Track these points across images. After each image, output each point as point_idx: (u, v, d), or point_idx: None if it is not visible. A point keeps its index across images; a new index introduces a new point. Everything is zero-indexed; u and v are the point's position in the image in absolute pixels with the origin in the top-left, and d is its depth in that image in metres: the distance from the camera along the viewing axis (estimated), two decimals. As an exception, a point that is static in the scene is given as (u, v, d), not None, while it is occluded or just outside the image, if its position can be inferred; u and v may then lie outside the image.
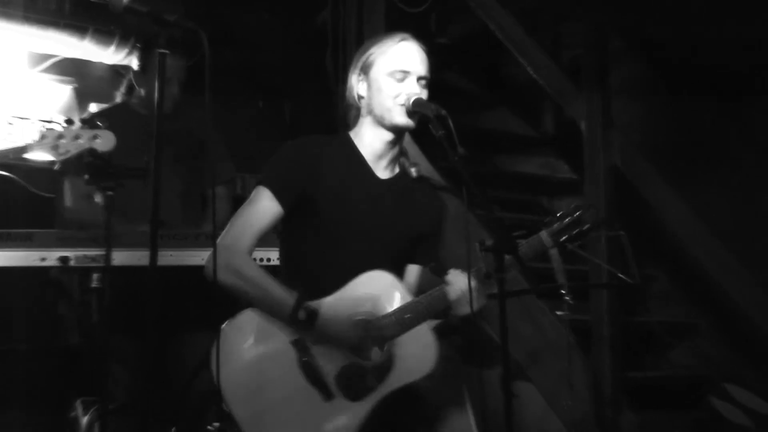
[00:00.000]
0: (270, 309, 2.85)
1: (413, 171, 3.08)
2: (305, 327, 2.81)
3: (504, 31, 4.81)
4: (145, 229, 3.07)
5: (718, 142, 5.13)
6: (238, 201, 3.05)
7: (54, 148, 3.65)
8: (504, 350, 2.88)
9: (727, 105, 5.08)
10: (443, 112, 2.83)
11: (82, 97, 5.43)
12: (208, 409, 4.16)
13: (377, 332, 2.87)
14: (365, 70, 3.00)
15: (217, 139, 4.54)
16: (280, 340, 2.84)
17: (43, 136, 3.67)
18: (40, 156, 3.67)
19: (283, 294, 2.84)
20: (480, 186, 2.78)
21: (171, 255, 3.82)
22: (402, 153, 3.10)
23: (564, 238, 3.08)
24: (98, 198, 3.87)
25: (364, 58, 3.01)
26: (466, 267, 2.85)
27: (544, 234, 3.06)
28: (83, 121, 3.65)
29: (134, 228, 4.07)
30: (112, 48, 5.20)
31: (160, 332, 3.26)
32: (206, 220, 4.40)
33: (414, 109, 2.92)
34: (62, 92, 5.51)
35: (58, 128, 3.63)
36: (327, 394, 2.81)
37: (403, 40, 3.01)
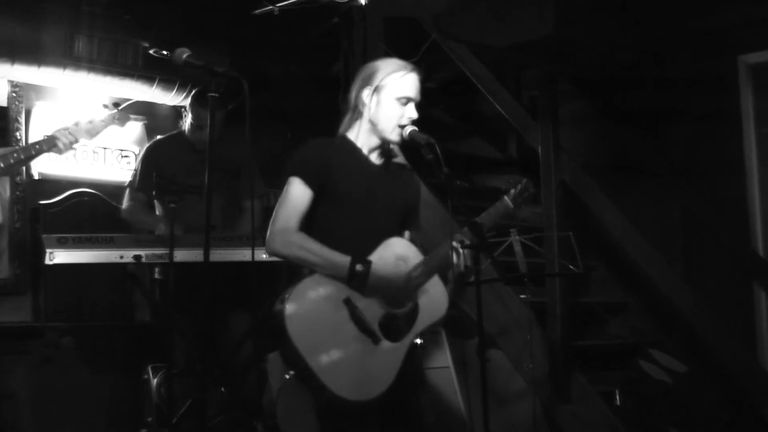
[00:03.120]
0: (329, 270, 2.77)
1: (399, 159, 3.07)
2: (361, 278, 2.75)
3: (477, 77, 4.77)
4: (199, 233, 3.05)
5: (640, 161, 5.10)
6: (270, 211, 3.00)
7: (88, 132, 3.66)
8: (480, 325, 2.85)
9: (646, 134, 5.06)
10: (432, 140, 2.79)
11: (150, 131, 5.40)
12: (250, 372, 4.13)
13: (414, 281, 2.84)
14: (378, 90, 2.90)
15: (252, 164, 4.48)
16: (333, 301, 2.77)
17: (76, 123, 3.66)
18: (81, 139, 3.67)
19: (340, 256, 2.77)
20: (460, 197, 2.75)
21: (219, 253, 3.78)
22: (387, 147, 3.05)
23: (521, 200, 3.05)
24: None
25: (378, 80, 2.91)
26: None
27: (506, 199, 3.04)
28: (111, 106, 3.66)
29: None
30: (173, 93, 5.18)
31: (212, 313, 3.23)
32: (241, 226, 4.36)
33: (410, 138, 2.87)
34: (135, 128, 5.47)
35: (89, 115, 3.65)
36: (375, 339, 2.77)
37: (411, 71, 2.95)
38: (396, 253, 2.87)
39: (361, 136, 2.97)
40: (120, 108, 3.78)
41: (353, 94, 2.98)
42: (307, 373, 2.67)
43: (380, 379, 2.73)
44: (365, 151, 2.97)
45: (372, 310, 2.80)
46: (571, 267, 3.83)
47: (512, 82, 5.71)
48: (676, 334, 4.68)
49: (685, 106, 4.90)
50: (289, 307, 2.71)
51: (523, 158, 5.97)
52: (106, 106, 3.71)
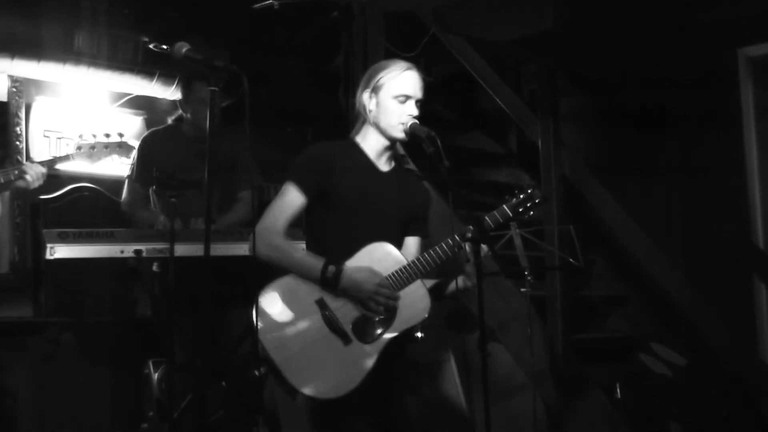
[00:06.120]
0: (303, 272, 2.80)
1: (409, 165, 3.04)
2: (332, 282, 2.77)
3: (478, 72, 4.76)
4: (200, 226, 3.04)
5: (640, 157, 5.11)
6: (265, 206, 2.99)
7: (89, 156, 3.63)
8: (480, 319, 2.83)
9: (646, 129, 5.07)
10: (433, 133, 2.79)
11: (150, 126, 5.38)
12: (249, 367, 4.12)
13: (386, 288, 2.81)
14: (375, 90, 2.92)
15: (249, 157, 4.47)
16: (306, 300, 2.80)
17: (79, 147, 3.63)
18: (80, 163, 3.64)
19: (313, 260, 2.81)
20: (461, 190, 2.75)
21: (219, 247, 3.77)
22: (396, 152, 3.05)
23: (521, 210, 3.00)
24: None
25: (375, 81, 2.93)
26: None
27: (505, 208, 2.99)
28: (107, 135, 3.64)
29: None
30: (173, 87, 5.17)
31: (212, 308, 3.22)
32: (234, 216, 4.33)
33: (410, 132, 2.87)
34: (135, 122, 5.47)
35: (91, 140, 3.61)
36: (346, 340, 2.77)
37: (408, 69, 2.95)
38: (375, 258, 2.85)
39: (367, 140, 2.98)
40: (123, 140, 3.76)
41: (357, 98, 2.99)
42: (274, 369, 2.72)
43: (348, 378, 2.73)
44: (372, 155, 2.98)
45: (346, 310, 2.81)
46: (571, 261, 3.83)
47: (512, 77, 5.70)
48: (676, 328, 4.67)
49: (685, 100, 4.89)
50: (261, 306, 2.77)
51: (523, 152, 5.97)
52: (108, 135, 3.67)
